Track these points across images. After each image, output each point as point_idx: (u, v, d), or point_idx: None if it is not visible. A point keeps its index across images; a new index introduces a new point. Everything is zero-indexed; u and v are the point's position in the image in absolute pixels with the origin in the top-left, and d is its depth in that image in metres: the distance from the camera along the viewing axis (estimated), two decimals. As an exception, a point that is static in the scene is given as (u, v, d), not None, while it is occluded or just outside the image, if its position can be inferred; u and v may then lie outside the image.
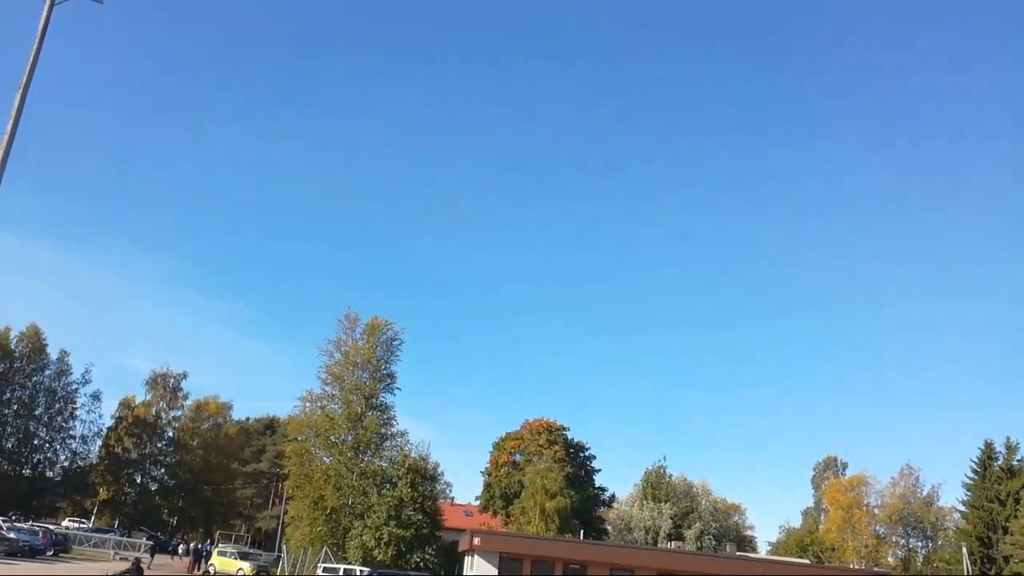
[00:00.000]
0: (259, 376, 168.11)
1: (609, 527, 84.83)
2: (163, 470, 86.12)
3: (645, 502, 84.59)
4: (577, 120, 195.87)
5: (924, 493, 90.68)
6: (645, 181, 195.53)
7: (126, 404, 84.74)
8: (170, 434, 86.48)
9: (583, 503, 72.34)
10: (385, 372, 59.39)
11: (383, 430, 57.50)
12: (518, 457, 78.54)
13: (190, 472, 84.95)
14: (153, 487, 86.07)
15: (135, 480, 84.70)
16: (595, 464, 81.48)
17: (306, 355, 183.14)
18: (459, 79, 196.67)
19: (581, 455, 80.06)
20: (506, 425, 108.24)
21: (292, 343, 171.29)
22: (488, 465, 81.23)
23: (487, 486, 79.10)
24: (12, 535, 42.86)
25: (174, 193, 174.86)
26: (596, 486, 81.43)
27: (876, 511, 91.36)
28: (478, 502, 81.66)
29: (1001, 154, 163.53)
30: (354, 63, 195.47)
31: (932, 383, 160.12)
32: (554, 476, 65.22)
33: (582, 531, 65.15)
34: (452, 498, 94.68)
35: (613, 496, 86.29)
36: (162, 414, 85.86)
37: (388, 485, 53.12)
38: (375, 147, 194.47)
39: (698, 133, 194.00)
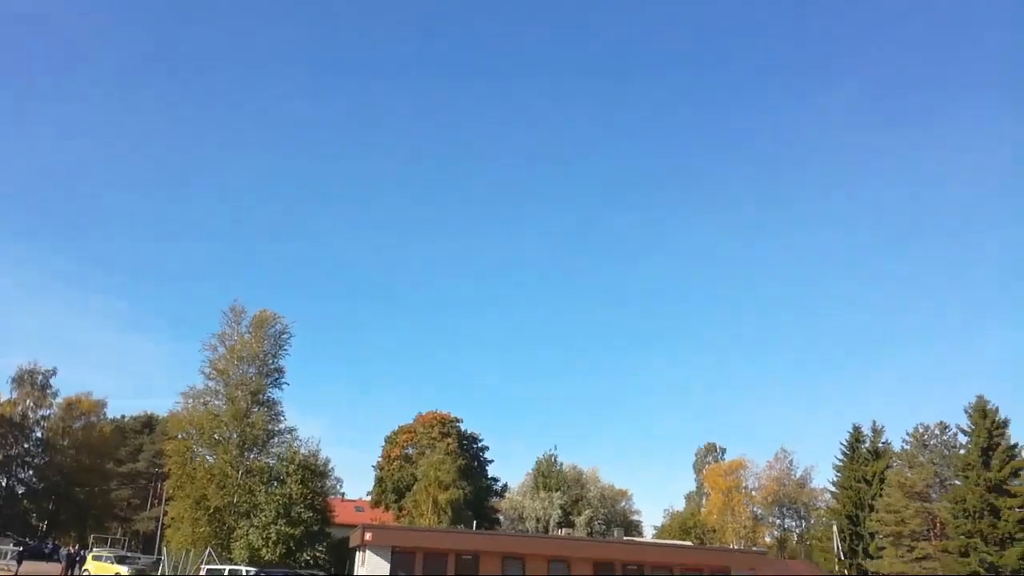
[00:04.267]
0: (137, 373, 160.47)
1: (502, 517, 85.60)
2: (31, 472, 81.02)
3: (536, 492, 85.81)
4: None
5: (798, 475, 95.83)
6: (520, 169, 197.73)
7: (-10, 404, 79.16)
8: (38, 434, 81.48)
9: (476, 494, 72.69)
10: (273, 366, 57.73)
11: (270, 426, 55.95)
12: (411, 451, 78.11)
13: (61, 473, 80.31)
14: (20, 490, 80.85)
15: (0, 484, 79.36)
16: (488, 455, 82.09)
17: (188, 351, 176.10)
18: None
19: (474, 446, 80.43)
20: (399, 419, 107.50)
21: (173, 339, 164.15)
22: (380, 459, 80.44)
23: (379, 480, 78.34)
24: None
25: (39, 180, 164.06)
26: (489, 477, 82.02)
27: (754, 493, 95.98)
28: (369, 497, 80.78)
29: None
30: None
31: (804, 369, 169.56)
32: (447, 468, 65.23)
33: (475, 522, 65.50)
34: (343, 494, 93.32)
35: (505, 486, 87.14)
36: (29, 413, 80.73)
37: (276, 483, 51.76)
38: (260, 131, 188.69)
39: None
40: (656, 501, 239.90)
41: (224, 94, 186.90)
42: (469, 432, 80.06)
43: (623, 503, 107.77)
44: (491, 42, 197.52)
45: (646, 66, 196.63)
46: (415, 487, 67.76)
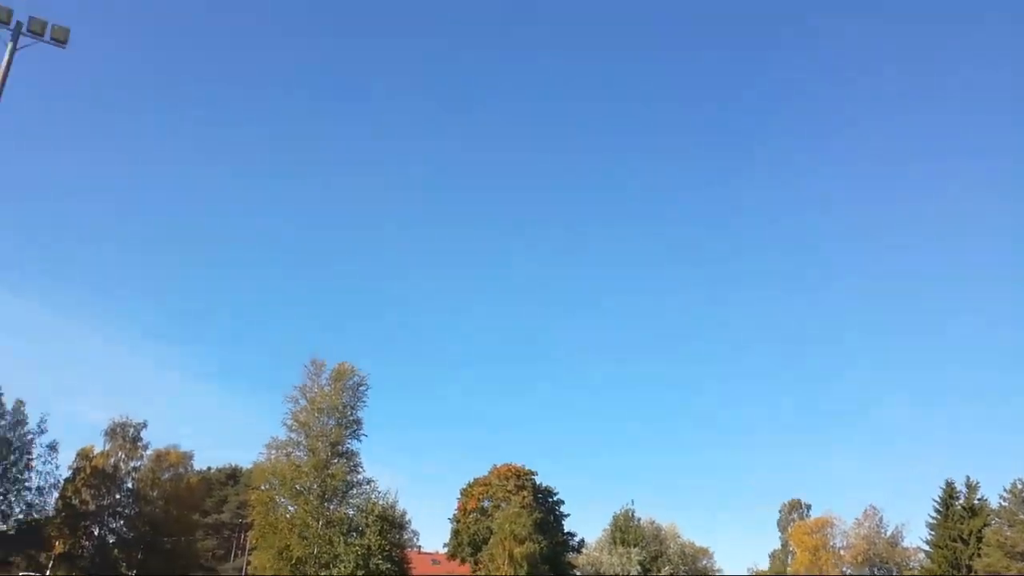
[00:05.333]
0: (221, 425, 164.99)
1: (578, 573, 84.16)
2: (122, 522, 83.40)
3: (614, 547, 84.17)
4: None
5: (888, 533, 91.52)
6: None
7: (84, 455, 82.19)
8: (129, 485, 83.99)
9: (552, 549, 71.90)
10: (351, 418, 58.91)
11: (350, 477, 56.86)
12: (487, 503, 77.99)
13: (150, 524, 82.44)
14: (111, 540, 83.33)
15: (92, 533, 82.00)
16: (564, 509, 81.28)
17: (270, 403, 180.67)
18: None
19: (550, 500, 79.78)
20: (474, 471, 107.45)
21: (256, 391, 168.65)
22: (456, 511, 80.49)
23: (455, 533, 78.29)
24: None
25: (130, 233, 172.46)
26: (565, 531, 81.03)
27: (842, 552, 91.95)
28: (446, 549, 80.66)
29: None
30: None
31: (893, 425, 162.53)
32: (523, 521, 64.88)
33: (551, 577, 64.71)
34: (419, 546, 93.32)
35: (582, 542, 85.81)
36: (121, 464, 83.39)
37: (355, 534, 52.49)
38: (338, 191, 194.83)
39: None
40: (739, 559, 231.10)
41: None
42: (544, 486, 79.62)
43: (704, 561, 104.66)
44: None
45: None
46: (491, 540, 67.49)
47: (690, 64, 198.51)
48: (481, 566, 67.81)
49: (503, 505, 73.25)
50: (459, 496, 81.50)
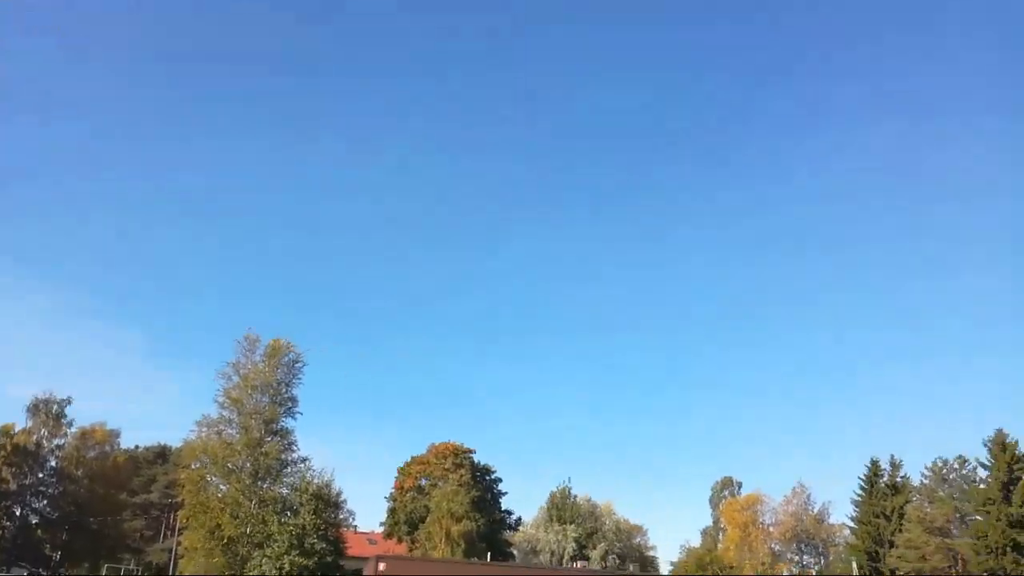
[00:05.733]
0: (150, 403, 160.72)
1: (515, 550, 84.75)
2: (45, 502, 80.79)
3: (550, 524, 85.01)
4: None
5: (815, 511, 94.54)
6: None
7: (5, 432, 78.95)
8: (53, 464, 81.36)
9: (489, 527, 72.11)
10: (286, 396, 57.71)
11: (284, 456, 55.84)
12: (424, 482, 77.71)
13: (75, 504, 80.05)
14: (34, 520, 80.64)
15: (14, 513, 79.14)
16: (501, 487, 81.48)
17: (202, 381, 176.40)
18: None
19: (487, 478, 79.93)
20: (412, 450, 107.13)
21: (185, 369, 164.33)
22: (393, 490, 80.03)
23: (391, 511, 77.87)
24: None
25: (50, 207, 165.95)
26: (502, 509, 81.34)
27: (771, 529, 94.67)
28: (382, 529, 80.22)
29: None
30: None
31: (819, 403, 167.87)
32: (460, 499, 64.84)
33: (488, 554, 64.91)
34: (356, 526, 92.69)
35: (519, 519, 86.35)
36: (44, 442, 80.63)
37: (289, 513, 51.67)
38: (260, 151, 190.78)
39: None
40: (672, 536, 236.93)
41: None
42: (482, 464, 79.68)
43: (638, 538, 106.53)
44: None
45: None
46: (428, 519, 67.29)
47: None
48: (418, 544, 67.60)
49: (440, 484, 73.06)
50: (396, 475, 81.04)
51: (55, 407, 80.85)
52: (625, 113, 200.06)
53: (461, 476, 73.09)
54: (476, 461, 78.62)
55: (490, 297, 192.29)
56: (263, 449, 54.65)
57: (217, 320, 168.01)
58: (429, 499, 71.28)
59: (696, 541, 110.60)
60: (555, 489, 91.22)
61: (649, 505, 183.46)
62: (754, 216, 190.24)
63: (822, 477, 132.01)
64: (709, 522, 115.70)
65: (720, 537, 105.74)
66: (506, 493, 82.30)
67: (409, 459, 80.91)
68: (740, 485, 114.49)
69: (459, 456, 77.22)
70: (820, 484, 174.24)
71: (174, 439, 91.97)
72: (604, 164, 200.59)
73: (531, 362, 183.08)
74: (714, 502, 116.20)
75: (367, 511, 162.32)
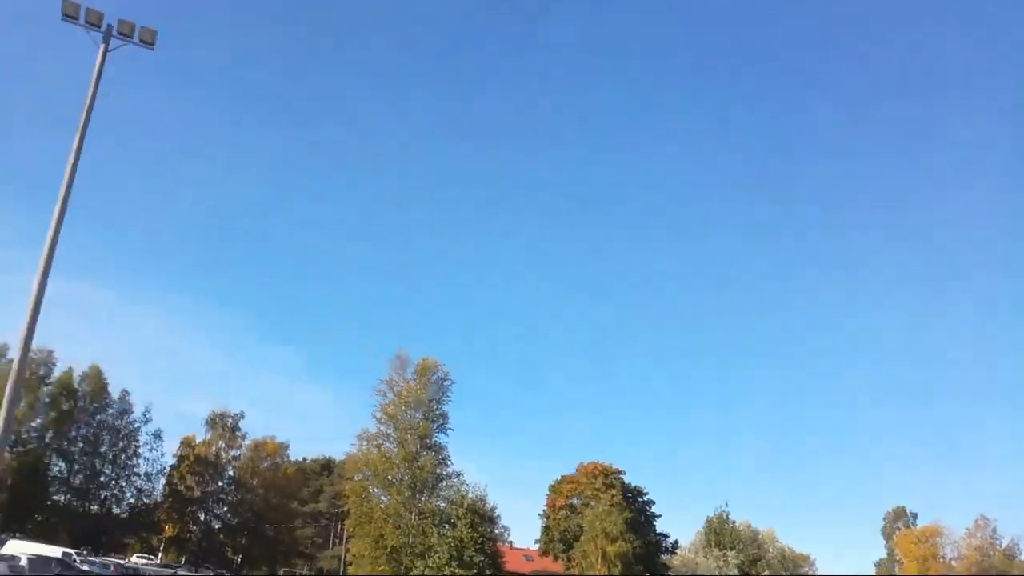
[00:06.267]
0: (313, 419, 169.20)
1: (672, 574, 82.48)
2: (225, 508, 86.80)
3: (709, 549, 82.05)
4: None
5: (1003, 545, 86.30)
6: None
7: (187, 443, 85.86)
8: (231, 473, 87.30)
9: (645, 548, 70.63)
10: (437, 412, 59.58)
11: (439, 470, 57.44)
12: (575, 501, 77.36)
13: (251, 511, 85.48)
14: (217, 525, 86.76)
15: (199, 518, 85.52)
16: (654, 510, 79.72)
17: (359, 399, 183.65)
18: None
19: (640, 500, 78.42)
20: (561, 468, 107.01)
21: (345, 387, 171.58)
22: (546, 508, 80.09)
23: (546, 529, 77.91)
24: (85, 567, 43.61)
25: (223, 237, 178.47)
26: (657, 532, 79.49)
27: (953, 563, 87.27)
28: (537, 546, 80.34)
29: None
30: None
31: (1000, 434, 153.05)
32: (614, 520, 63.96)
33: (646, 576, 63.56)
34: (511, 542, 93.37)
35: (676, 543, 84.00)
36: (222, 453, 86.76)
37: (447, 525, 52.81)
38: (431, 191, 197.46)
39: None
40: (840, 567, 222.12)
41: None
42: (633, 485, 78.27)
43: (806, 568, 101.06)
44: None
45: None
46: (582, 537, 66.77)
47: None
48: (574, 563, 67.18)
49: (592, 503, 72.47)
50: (548, 492, 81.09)
51: (230, 420, 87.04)
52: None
53: (612, 496, 72.11)
54: (626, 482, 77.39)
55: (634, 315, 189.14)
56: (419, 463, 56.41)
57: (367, 339, 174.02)
58: (581, 518, 70.78)
59: (870, 573, 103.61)
60: (712, 514, 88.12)
61: (813, 535, 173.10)
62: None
63: (1005, 511, 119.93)
64: (883, 554, 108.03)
65: (896, 570, 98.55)
66: (660, 516, 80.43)
67: (559, 478, 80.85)
68: (916, 516, 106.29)
69: (609, 476, 76.31)
70: (1006, 518, 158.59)
71: (335, 452, 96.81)
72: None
73: (687, 384, 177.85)
74: (887, 533, 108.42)
75: (521, 528, 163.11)
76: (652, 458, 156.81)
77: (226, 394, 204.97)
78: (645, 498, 79.31)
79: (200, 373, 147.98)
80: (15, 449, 67.22)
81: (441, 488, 57.26)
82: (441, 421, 59.10)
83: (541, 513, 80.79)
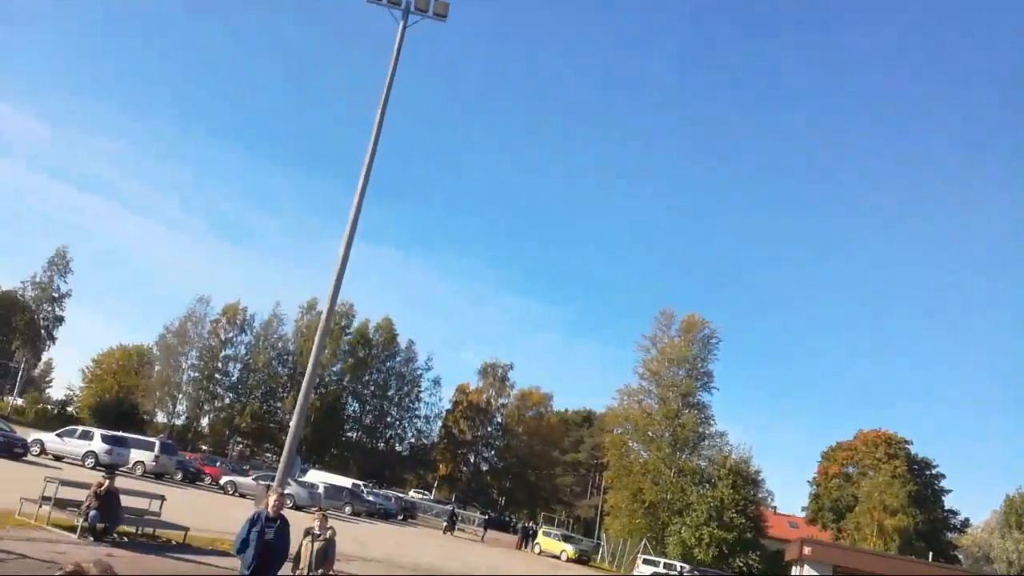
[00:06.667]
0: (575, 372, 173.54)
1: (961, 555, 74.70)
2: (492, 452, 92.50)
3: (1008, 531, 73.04)
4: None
5: None
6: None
7: (462, 390, 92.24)
8: (498, 420, 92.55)
9: (929, 525, 64.51)
10: (702, 370, 58.55)
11: (701, 429, 56.53)
12: (851, 470, 72.42)
13: (516, 456, 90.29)
14: (484, 467, 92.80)
15: (469, 460, 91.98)
16: (944, 484, 72.29)
17: (620, 356, 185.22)
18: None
19: (927, 473, 71.49)
20: (836, 435, 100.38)
21: (607, 343, 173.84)
22: (816, 475, 75.80)
23: (815, 497, 73.84)
24: (371, 499, 48.44)
25: (494, 204, 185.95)
26: (945, 508, 72.14)
27: None
28: (804, 514, 76.52)
29: None
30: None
31: None
32: (895, 492, 58.97)
33: (929, 555, 58.01)
34: (775, 507, 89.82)
35: (967, 521, 75.72)
36: (492, 401, 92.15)
37: (707, 485, 51.94)
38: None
39: None
40: None
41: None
42: (921, 457, 71.36)
43: None
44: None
45: None
46: (856, 509, 62.38)
47: None
48: (844, 534, 63.08)
49: (870, 473, 67.34)
50: (819, 460, 76.59)
51: (500, 371, 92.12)
52: None
53: (895, 468, 66.31)
54: (913, 453, 70.74)
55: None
56: (680, 421, 55.82)
57: (640, 300, 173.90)
58: (857, 488, 66.12)
59: None
60: (1014, 492, 78.13)
61: None
62: None
63: None
64: None
65: None
66: (950, 491, 72.77)
67: (834, 444, 75.93)
68: None
69: (892, 446, 70.15)
70: None
71: (596, 405, 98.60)
72: None
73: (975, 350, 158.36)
74: None
75: (787, 494, 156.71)
76: (946, 428, 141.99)
77: (497, 346, 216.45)
78: (934, 471, 72.28)
79: (475, 327, 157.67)
80: (319, 391, 76.10)
81: (703, 447, 56.40)
82: (705, 379, 58.00)
83: (811, 480, 76.65)
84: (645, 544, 49.03)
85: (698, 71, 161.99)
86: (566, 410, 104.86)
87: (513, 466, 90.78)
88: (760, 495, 64.77)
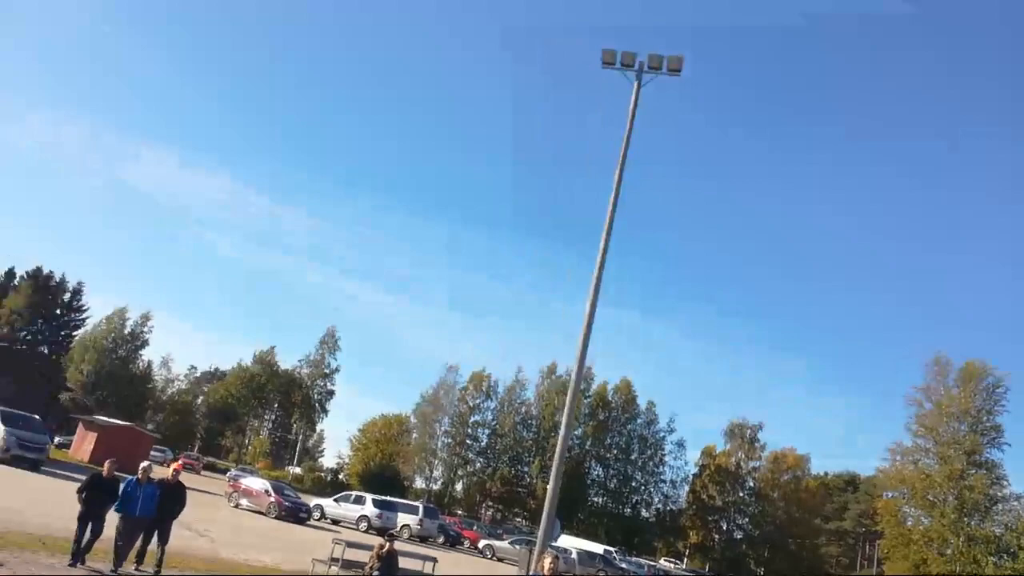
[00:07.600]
0: (830, 431, 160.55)
1: None
2: (746, 520, 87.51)
3: None
4: None
5: None
6: None
7: (707, 453, 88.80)
8: (750, 484, 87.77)
9: None
10: (988, 424, 52.38)
11: (992, 491, 50.18)
12: None
13: (773, 523, 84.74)
14: (738, 535, 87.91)
15: (721, 527, 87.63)
16: None
17: (881, 407, 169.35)
18: None
19: None
20: None
21: (861, 396, 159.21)
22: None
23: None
24: (624, 566, 47.37)
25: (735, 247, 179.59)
26: None
27: None
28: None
29: None
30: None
31: None
32: None
33: None
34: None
35: None
36: (741, 464, 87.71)
37: (1005, 555, 45.52)
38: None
39: None
40: None
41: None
42: None
43: None
44: None
45: None
46: None
47: None
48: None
49: None
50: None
51: (748, 431, 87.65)
52: None
53: None
54: None
55: None
56: (967, 482, 50.04)
57: (885, 344, 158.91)
58: None
59: None
60: None
61: None
62: None
63: None
64: None
65: None
66: None
67: None
68: None
69: None
70: None
71: (859, 467, 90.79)
72: None
73: None
74: None
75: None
76: None
77: (741, 406, 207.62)
78: None
79: (714, 385, 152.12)
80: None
81: (995, 511, 49.86)
82: (993, 434, 51.84)
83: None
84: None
85: None
86: (825, 473, 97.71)
87: (770, 534, 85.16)
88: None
